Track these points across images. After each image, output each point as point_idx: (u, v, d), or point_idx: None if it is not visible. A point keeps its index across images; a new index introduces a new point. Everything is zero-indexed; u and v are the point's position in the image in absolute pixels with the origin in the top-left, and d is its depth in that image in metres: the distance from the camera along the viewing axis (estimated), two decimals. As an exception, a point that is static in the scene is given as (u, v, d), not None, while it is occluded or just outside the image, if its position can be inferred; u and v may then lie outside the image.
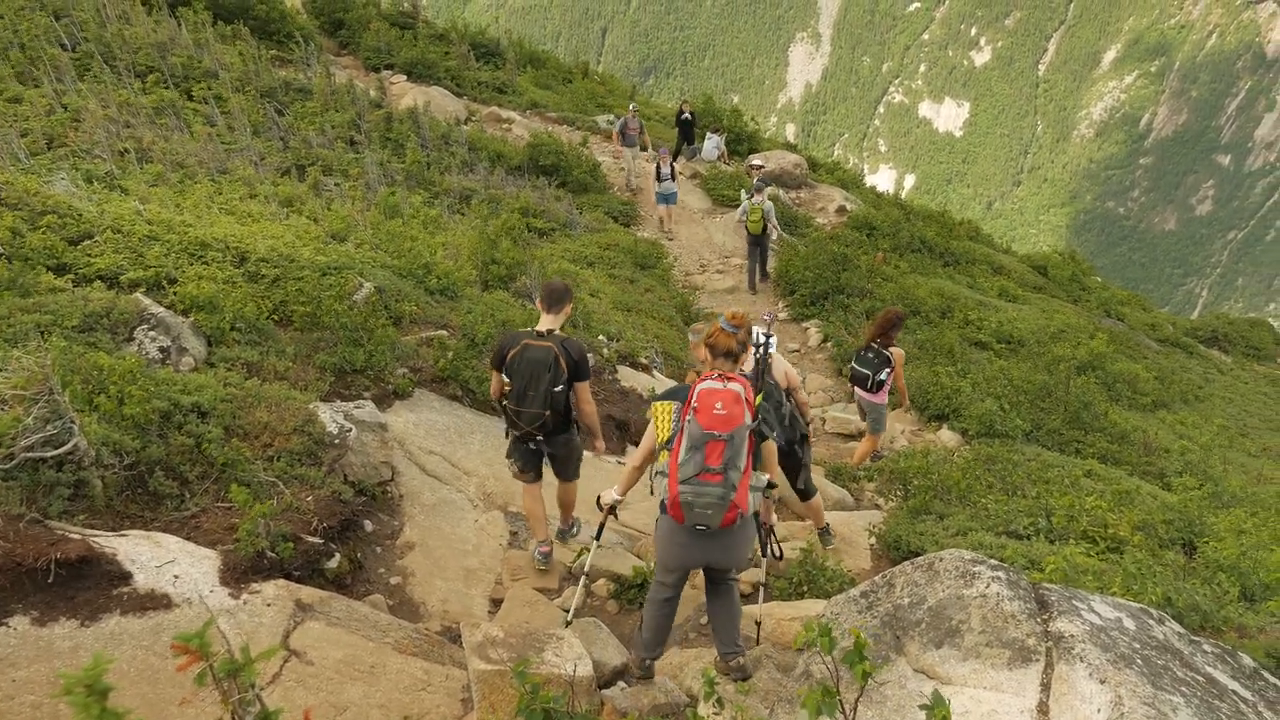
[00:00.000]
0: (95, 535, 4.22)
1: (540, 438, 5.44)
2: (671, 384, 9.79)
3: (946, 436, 10.96)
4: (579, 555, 6.02)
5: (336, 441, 5.78)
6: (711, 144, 22.95)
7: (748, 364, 5.04)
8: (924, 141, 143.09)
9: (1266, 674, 3.49)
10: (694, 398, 3.85)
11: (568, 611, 5.35)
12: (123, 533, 4.39)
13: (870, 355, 8.73)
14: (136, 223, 7.94)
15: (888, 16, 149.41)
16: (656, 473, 4.06)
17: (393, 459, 6.37)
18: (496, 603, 5.67)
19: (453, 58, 25.57)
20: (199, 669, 2.10)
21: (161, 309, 6.45)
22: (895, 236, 19.52)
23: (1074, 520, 6.54)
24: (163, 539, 4.43)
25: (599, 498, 4.93)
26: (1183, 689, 2.99)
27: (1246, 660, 3.53)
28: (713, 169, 22.09)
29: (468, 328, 8.46)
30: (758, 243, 16.25)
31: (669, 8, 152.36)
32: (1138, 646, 3.20)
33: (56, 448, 4.35)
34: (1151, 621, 3.51)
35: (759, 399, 4.64)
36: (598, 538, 5.39)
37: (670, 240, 18.42)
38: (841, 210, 21.64)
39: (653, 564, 5.13)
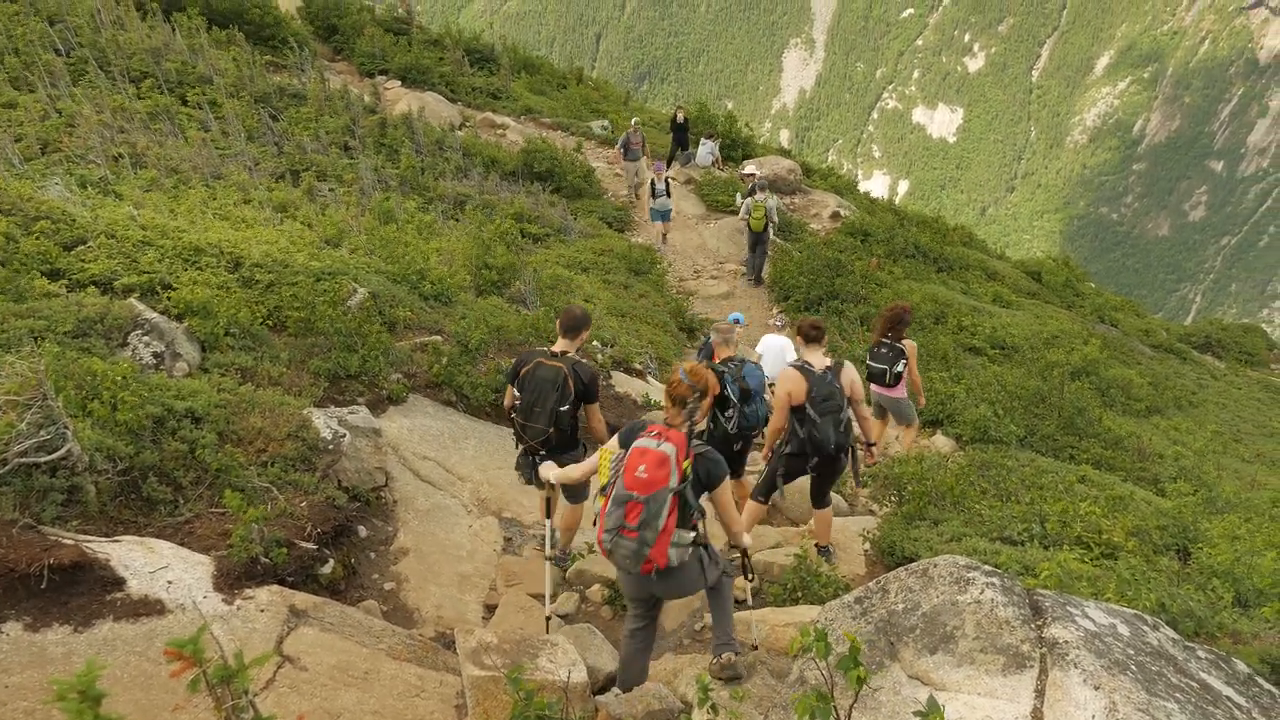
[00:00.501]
0: (88, 541, 4.20)
1: (544, 453, 5.52)
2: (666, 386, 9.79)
3: (940, 442, 10.96)
4: (573, 560, 6.08)
5: (330, 447, 5.77)
6: (706, 150, 22.98)
7: (701, 423, 5.15)
8: (918, 147, 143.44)
9: (1261, 680, 3.49)
10: (627, 454, 4.04)
11: (557, 613, 5.45)
12: (116, 538, 4.38)
13: (884, 350, 8.77)
14: (130, 228, 7.94)
15: (881, 22, 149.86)
16: (596, 512, 4.26)
17: (387, 464, 6.36)
18: (491, 608, 5.67)
19: (447, 63, 25.57)
20: (192, 675, 2.10)
21: (155, 314, 6.45)
22: (889, 242, 19.52)
23: (1068, 526, 6.54)
24: (156, 545, 4.42)
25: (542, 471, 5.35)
26: (1177, 695, 3.00)
27: (1241, 666, 3.53)
28: (707, 175, 22.13)
29: (462, 333, 8.46)
30: (759, 240, 16.30)
31: (663, 13, 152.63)
32: (1132, 653, 3.21)
33: (50, 453, 4.34)
34: (1146, 627, 3.51)
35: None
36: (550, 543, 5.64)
37: (665, 247, 18.39)
38: (836, 216, 21.68)
39: None
